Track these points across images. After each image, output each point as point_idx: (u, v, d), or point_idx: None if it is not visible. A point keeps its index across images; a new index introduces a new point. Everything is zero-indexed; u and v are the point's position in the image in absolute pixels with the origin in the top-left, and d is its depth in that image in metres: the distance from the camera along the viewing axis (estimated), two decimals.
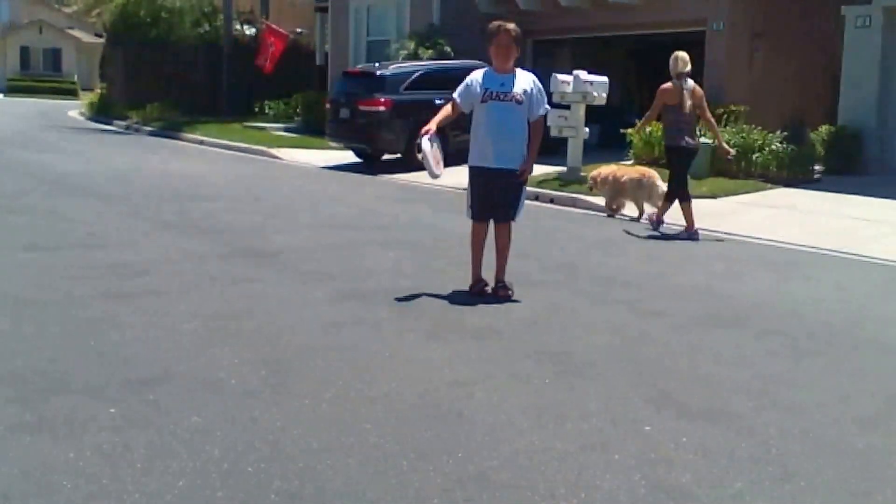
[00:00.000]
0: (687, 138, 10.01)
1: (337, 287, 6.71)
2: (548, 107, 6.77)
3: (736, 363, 5.18)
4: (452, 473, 3.51)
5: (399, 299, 6.37)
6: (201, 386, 4.41)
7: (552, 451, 3.78)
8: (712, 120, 10.63)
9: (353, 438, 3.82)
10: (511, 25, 6.49)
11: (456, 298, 6.49)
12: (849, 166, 14.98)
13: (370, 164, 17.04)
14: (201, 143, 21.34)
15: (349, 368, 4.78)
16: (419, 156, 6.80)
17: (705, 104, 10.35)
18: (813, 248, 9.50)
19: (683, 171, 10.17)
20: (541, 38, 21.90)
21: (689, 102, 10.00)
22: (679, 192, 10.09)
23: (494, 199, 6.59)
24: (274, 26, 27.18)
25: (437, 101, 15.77)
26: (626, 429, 4.07)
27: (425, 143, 6.52)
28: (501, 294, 6.55)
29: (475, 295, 6.53)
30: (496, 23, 6.59)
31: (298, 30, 30.30)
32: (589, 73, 13.95)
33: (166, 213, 10.11)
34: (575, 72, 13.79)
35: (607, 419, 4.18)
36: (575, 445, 3.85)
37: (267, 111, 26.32)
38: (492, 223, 6.72)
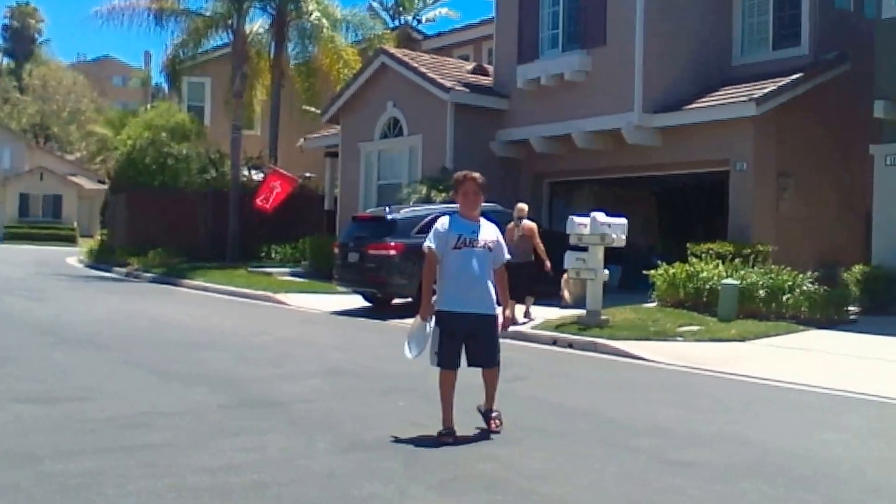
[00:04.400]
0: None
1: (342, 437, 6.75)
2: (508, 255, 7.24)
3: None
4: None
5: (407, 450, 6.39)
6: None
7: None
8: (540, 250, 14.80)
9: None
10: (476, 175, 7.05)
11: (467, 447, 6.50)
12: (885, 307, 15.04)
13: (380, 309, 17.20)
14: (205, 289, 21.69)
15: None
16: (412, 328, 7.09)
17: (535, 238, 14.88)
18: (848, 392, 9.46)
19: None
20: (557, 179, 22.41)
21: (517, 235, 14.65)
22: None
23: (469, 344, 6.86)
24: (281, 170, 27.94)
25: None
26: None
27: (418, 327, 6.97)
28: (494, 425, 6.91)
29: (442, 442, 6.60)
30: (462, 172, 7.21)
31: (307, 174, 31.14)
32: (608, 214, 14.22)
33: (167, 363, 10.20)
34: (592, 213, 14.06)
35: None
36: None
37: (273, 255, 26.81)
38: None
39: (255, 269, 24.60)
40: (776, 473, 6.10)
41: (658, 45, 19.12)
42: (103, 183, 48.15)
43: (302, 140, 29.75)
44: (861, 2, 19.58)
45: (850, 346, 12.41)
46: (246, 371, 9.89)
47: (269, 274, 23.84)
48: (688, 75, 19.31)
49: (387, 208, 18.39)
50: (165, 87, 56.31)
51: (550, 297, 15.73)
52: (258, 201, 26.65)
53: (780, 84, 17.75)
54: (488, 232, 6.97)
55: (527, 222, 15.12)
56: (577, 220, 14.06)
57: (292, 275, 23.93)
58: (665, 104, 19.00)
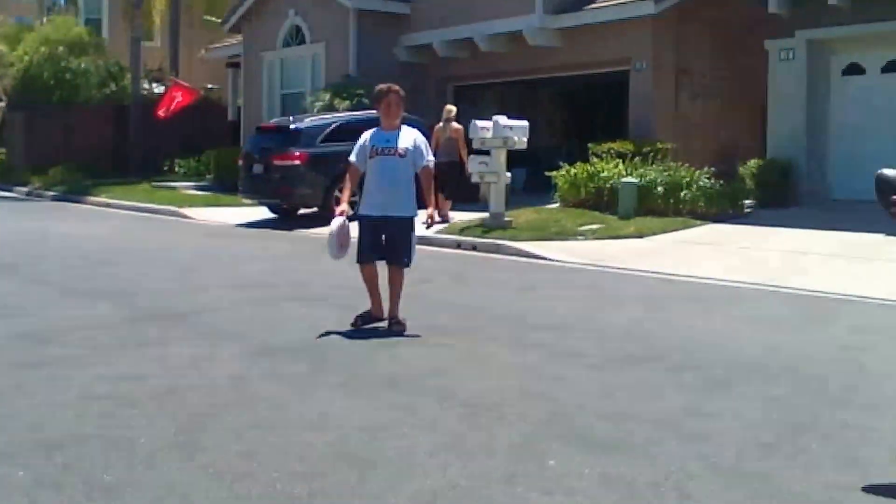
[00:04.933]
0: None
1: (249, 344, 6.95)
2: (431, 158, 7.66)
3: (646, 399, 5.50)
4: None
5: (314, 353, 6.65)
6: (111, 446, 4.59)
7: (457, 488, 4.06)
8: (463, 153, 15.40)
9: (262, 489, 4.05)
10: (397, 87, 7.56)
11: (371, 349, 6.79)
12: (779, 199, 15.63)
13: (286, 220, 17.34)
14: (108, 205, 21.48)
15: (259, 421, 5.02)
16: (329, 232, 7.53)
17: (461, 141, 15.47)
18: (738, 282, 9.94)
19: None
20: (462, 83, 22.50)
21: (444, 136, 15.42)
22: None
23: (384, 244, 7.49)
24: (182, 82, 27.34)
25: None
26: (531, 464, 4.36)
27: (335, 223, 7.39)
28: (396, 329, 7.34)
29: (366, 324, 7.44)
30: (384, 85, 7.65)
31: (209, 85, 30.72)
32: (510, 117, 14.43)
33: (72, 279, 10.25)
34: (494, 117, 14.27)
35: (513, 456, 4.47)
36: (479, 482, 4.13)
37: (177, 170, 26.52)
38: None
39: (158, 184, 24.27)
40: (662, 359, 6.50)
41: None
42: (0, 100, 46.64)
43: (203, 51, 29.26)
44: None
45: (742, 238, 12.93)
46: (151, 284, 9.98)
47: (174, 188, 23.62)
48: None
49: (291, 118, 18.39)
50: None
51: (467, 201, 16.03)
52: (159, 112, 26.11)
53: None
54: (406, 139, 7.46)
55: (454, 124, 15.71)
56: (480, 123, 14.26)
57: (197, 189, 23.72)
58: (566, 5, 19.12)
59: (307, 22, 22.89)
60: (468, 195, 15.94)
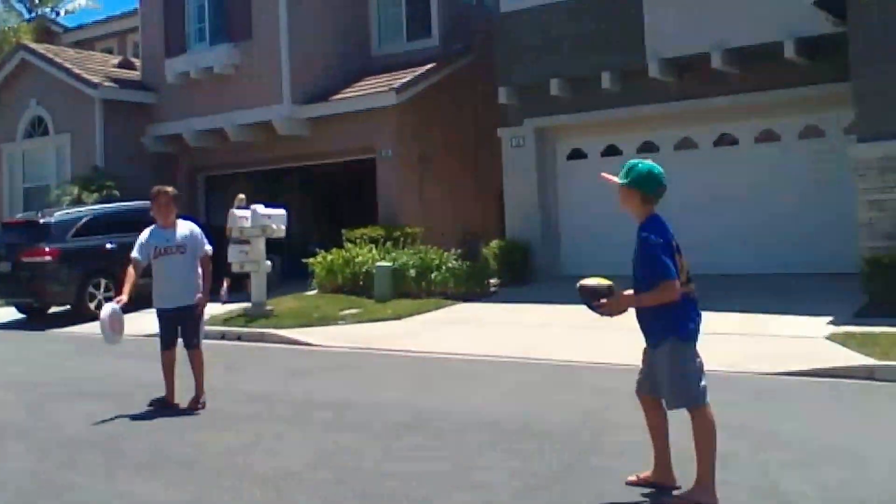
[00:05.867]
0: None
1: (37, 441, 7.20)
2: (209, 247, 8.57)
3: (423, 460, 6.28)
4: None
5: (107, 443, 7.03)
6: None
7: None
8: None
9: None
10: (169, 189, 8.51)
11: (166, 434, 7.26)
12: (520, 277, 16.95)
13: (37, 319, 17.00)
14: None
15: None
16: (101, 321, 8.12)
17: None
18: (491, 356, 10.90)
19: None
20: (212, 173, 22.89)
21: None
22: None
23: (178, 332, 8.38)
24: None
25: (109, 246, 16.77)
26: None
27: (105, 309, 8.08)
28: (193, 406, 8.21)
29: (166, 407, 8.19)
30: (157, 187, 8.55)
31: None
32: (266, 206, 15.04)
33: None
34: (253, 206, 14.81)
35: None
36: None
37: None
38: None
39: None
40: (426, 426, 7.32)
41: (302, 37, 20.16)
42: None
43: None
44: None
45: (491, 315, 14.03)
46: None
47: None
48: (333, 66, 20.52)
49: (39, 213, 18.05)
50: None
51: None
52: None
53: (415, 74, 19.42)
54: (182, 234, 8.37)
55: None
56: (238, 213, 14.75)
57: None
58: (313, 95, 20.12)
59: (50, 112, 22.64)
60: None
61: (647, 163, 5.30)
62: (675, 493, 5.25)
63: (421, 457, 6.40)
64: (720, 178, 16.33)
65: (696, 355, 5.16)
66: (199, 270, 8.41)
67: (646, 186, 5.23)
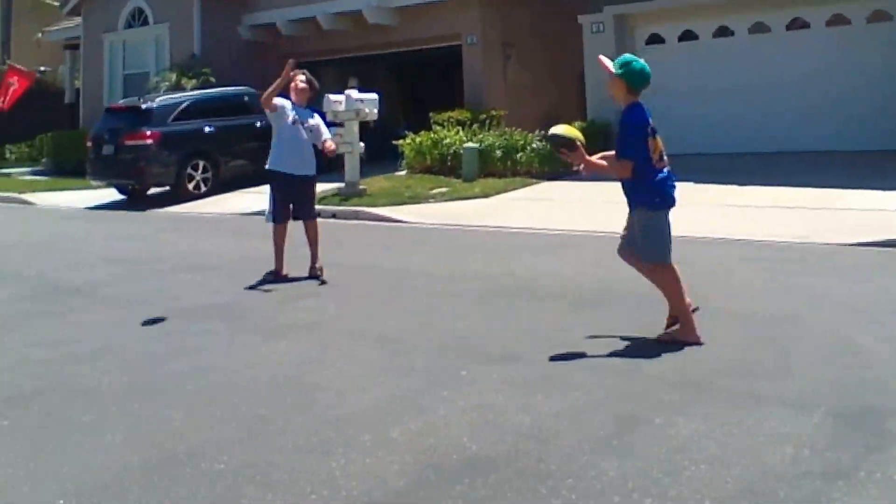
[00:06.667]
0: None
1: (157, 308, 7.44)
2: (328, 134, 8.97)
3: (523, 321, 6.57)
4: (313, 423, 4.62)
5: (226, 311, 7.36)
6: (79, 394, 5.24)
7: (394, 398, 4.92)
8: None
9: (226, 412, 4.80)
10: (306, 72, 8.92)
11: (277, 301, 7.61)
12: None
13: (136, 200, 17.35)
14: None
15: (202, 368, 5.71)
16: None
17: None
18: (579, 230, 11.14)
19: None
20: (305, 60, 23.05)
21: None
22: None
23: (295, 201, 8.68)
24: (18, 66, 26.35)
25: (207, 129, 17.18)
26: (447, 376, 5.26)
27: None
28: (316, 274, 8.52)
29: (278, 279, 8.47)
30: (297, 70, 8.76)
31: (42, 68, 29.72)
32: (358, 90, 15.31)
33: None
34: (346, 91, 15.06)
35: (431, 373, 5.35)
36: (410, 392, 5.00)
37: (8, 156, 25.72)
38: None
39: None
40: (523, 290, 7.64)
41: None
42: None
43: (40, 34, 28.45)
44: None
45: (574, 192, 14.16)
46: (34, 267, 10.08)
47: (7, 175, 22.84)
48: None
49: (140, 98, 18.30)
50: None
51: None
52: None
53: None
54: (314, 115, 8.88)
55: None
56: (333, 97, 14.96)
57: (34, 174, 23.02)
58: None
59: (150, 2, 22.90)
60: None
61: (640, 61, 5.81)
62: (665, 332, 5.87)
63: (518, 319, 6.63)
64: (793, 59, 16.34)
65: (666, 223, 5.88)
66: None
67: (633, 80, 5.76)
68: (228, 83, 19.38)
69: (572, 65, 19.22)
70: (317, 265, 8.64)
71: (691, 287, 6.09)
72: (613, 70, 5.75)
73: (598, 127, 17.22)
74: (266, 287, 8.28)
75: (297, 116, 8.62)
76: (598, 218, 11.79)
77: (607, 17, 17.86)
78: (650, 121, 5.77)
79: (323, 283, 8.37)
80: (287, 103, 8.64)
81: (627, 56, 5.88)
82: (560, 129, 5.78)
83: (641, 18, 18.05)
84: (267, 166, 8.71)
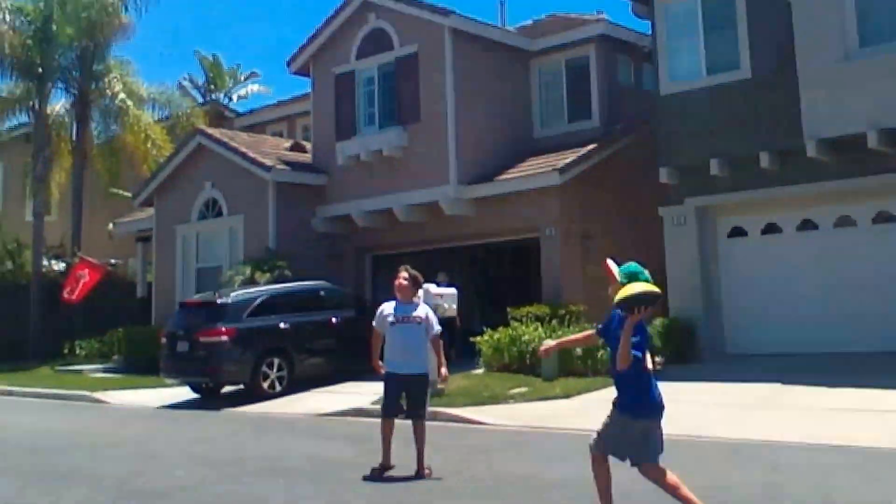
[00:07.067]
0: None
1: None
2: (439, 327, 9.40)
3: None
4: None
5: None
6: None
7: None
8: None
9: None
10: (410, 269, 9.50)
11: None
12: (685, 355, 17.04)
13: (210, 399, 17.41)
14: (10, 393, 20.45)
15: None
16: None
17: None
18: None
19: None
20: (379, 252, 23.57)
21: None
22: None
23: (406, 397, 9.16)
24: (89, 258, 26.73)
25: (282, 325, 17.45)
26: None
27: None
28: (425, 474, 8.92)
29: (382, 476, 8.86)
30: (401, 267, 9.55)
31: (113, 261, 30.17)
32: (437, 285, 15.50)
33: (37, 469, 10.39)
34: (425, 285, 15.22)
35: None
36: None
37: (78, 352, 25.96)
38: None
39: (62, 368, 23.81)
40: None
41: (468, 120, 20.96)
42: None
43: (111, 225, 29.10)
44: (642, 77, 22.13)
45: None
46: (108, 469, 10.22)
47: (79, 372, 23.05)
48: (497, 147, 21.27)
49: (215, 292, 18.63)
50: None
51: None
52: (65, 294, 25.62)
53: (578, 154, 19.93)
54: (420, 309, 9.37)
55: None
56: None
57: (105, 371, 23.13)
58: (478, 176, 20.79)
59: (224, 194, 23.47)
60: None
61: (645, 273, 6.28)
62: None
63: None
64: (880, 254, 16.40)
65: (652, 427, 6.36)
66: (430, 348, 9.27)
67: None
68: (303, 276, 19.73)
69: (653, 257, 19.31)
70: (423, 466, 8.96)
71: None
72: (619, 277, 6.23)
73: (681, 323, 17.27)
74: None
75: (400, 315, 9.17)
76: (686, 420, 11.69)
77: (689, 209, 18.22)
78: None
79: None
80: (387, 307, 9.30)
81: (634, 266, 6.32)
82: (642, 287, 6.13)
83: (724, 210, 18.39)
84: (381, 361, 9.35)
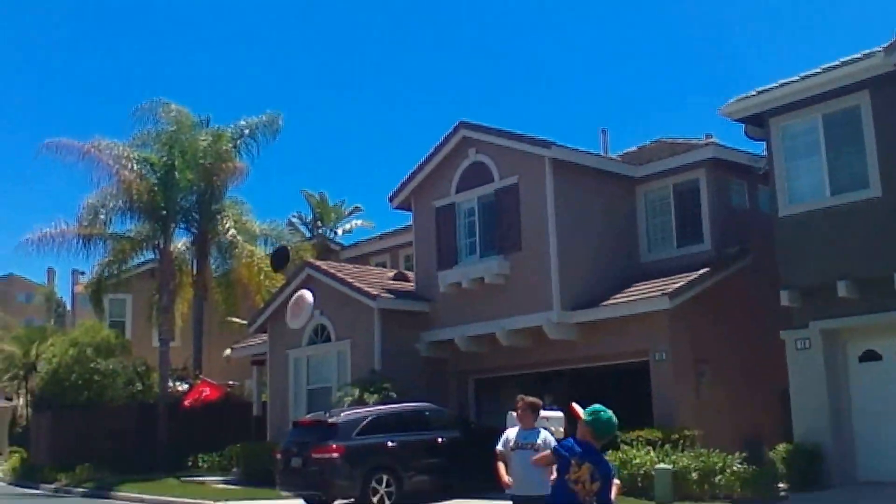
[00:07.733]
0: None
1: None
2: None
3: None
4: None
5: None
6: None
7: None
8: None
9: None
10: (528, 398, 9.67)
11: None
12: (810, 482, 15.53)
13: None
14: (141, 500, 21.37)
15: None
16: None
17: None
18: None
19: None
20: (482, 376, 22.92)
21: None
22: None
23: None
24: (209, 380, 28.47)
25: (390, 444, 17.30)
26: None
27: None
28: None
29: None
30: (519, 396, 9.73)
31: (231, 382, 31.23)
32: (545, 408, 14.62)
33: None
34: None
35: None
36: None
37: (201, 464, 26.83)
38: None
39: (186, 479, 24.49)
40: None
41: (571, 247, 20.16)
42: (10, 400, 48.01)
43: (229, 350, 29.97)
44: (756, 199, 21.11)
45: None
46: None
47: (202, 482, 23.75)
48: (601, 273, 20.35)
49: (326, 413, 18.84)
50: (67, 302, 56.01)
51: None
52: (186, 403, 27.13)
53: (690, 279, 18.83)
54: (539, 435, 9.39)
55: None
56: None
57: (225, 483, 23.86)
58: (582, 301, 19.88)
59: (332, 321, 23.51)
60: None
61: (608, 413, 6.62)
62: None
63: None
64: None
65: None
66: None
67: (598, 429, 6.64)
68: (408, 398, 19.64)
69: (774, 382, 18.14)
70: None
71: None
72: (583, 417, 6.60)
73: (807, 449, 15.86)
74: None
75: (521, 441, 9.27)
76: None
77: (814, 333, 16.71)
78: None
79: None
80: (510, 432, 9.46)
81: (598, 406, 6.62)
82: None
83: (854, 333, 16.82)
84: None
